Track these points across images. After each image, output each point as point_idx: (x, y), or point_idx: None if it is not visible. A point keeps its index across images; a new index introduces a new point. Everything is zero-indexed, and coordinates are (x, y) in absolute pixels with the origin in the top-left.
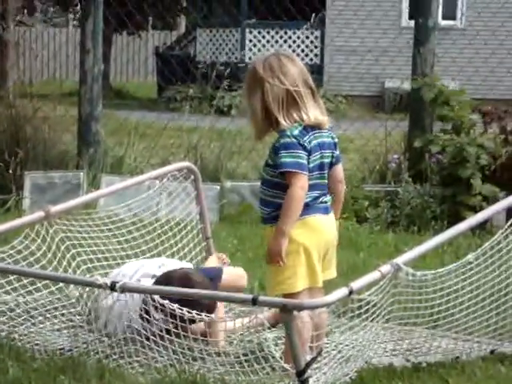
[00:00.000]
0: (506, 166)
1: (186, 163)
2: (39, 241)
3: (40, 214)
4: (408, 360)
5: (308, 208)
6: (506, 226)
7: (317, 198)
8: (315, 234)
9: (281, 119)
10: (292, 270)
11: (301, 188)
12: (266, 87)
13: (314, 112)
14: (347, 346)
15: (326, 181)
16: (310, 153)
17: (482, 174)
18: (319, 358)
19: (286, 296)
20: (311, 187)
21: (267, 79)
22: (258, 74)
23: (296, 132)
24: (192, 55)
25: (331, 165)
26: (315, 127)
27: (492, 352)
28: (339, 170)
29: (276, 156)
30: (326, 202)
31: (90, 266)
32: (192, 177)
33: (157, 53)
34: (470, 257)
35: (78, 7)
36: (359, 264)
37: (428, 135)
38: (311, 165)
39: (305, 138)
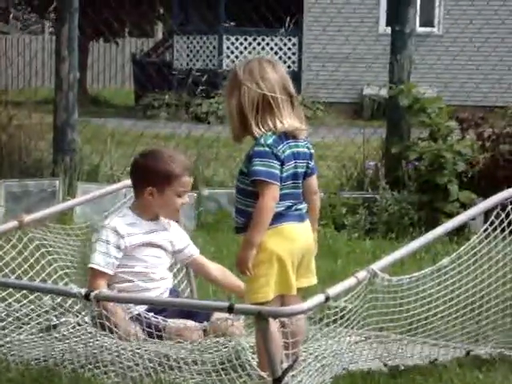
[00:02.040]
0: (483, 173)
1: None
2: (14, 252)
3: (14, 223)
4: (386, 364)
5: (281, 216)
6: (482, 231)
7: (290, 206)
8: (289, 242)
9: (254, 125)
10: (265, 280)
11: (271, 199)
12: (243, 90)
13: (289, 120)
14: (324, 352)
15: (300, 190)
16: (283, 162)
17: (459, 180)
18: (296, 366)
19: (259, 305)
20: (284, 196)
21: (245, 82)
22: (238, 77)
23: (270, 141)
24: (169, 62)
25: (305, 175)
26: (290, 136)
27: (468, 353)
28: (314, 181)
29: (249, 164)
30: (300, 210)
31: (66, 271)
32: None
33: (134, 60)
34: (445, 261)
35: (54, 14)
36: (337, 271)
37: (405, 142)
38: (284, 174)
39: (279, 147)
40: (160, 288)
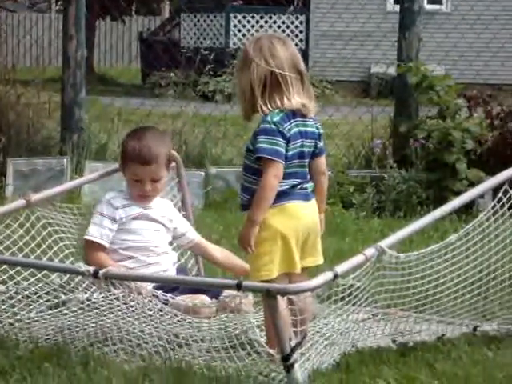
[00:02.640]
0: (491, 151)
1: None
2: (21, 231)
3: (21, 202)
4: (394, 341)
5: (286, 195)
6: (489, 207)
7: (295, 185)
8: (293, 220)
9: (261, 102)
10: (268, 257)
11: (274, 177)
12: (253, 67)
13: (298, 98)
14: (332, 330)
15: (307, 169)
16: (288, 140)
17: (467, 158)
18: (304, 343)
19: (263, 282)
20: (290, 175)
21: (254, 59)
22: (248, 54)
23: (277, 118)
24: (176, 40)
25: (314, 155)
26: (298, 114)
27: (475, 329)
28: (322, 161)
29: (255, 141)
30: (306, 189)
31: (72, 250)
32: (173, 163)
33: (141, 38)
34: (453, 237)
35: None
36: (345, 250)
37: (414, 120)
38: (290, 152)
39: (285, 125)
40: (162, 263)
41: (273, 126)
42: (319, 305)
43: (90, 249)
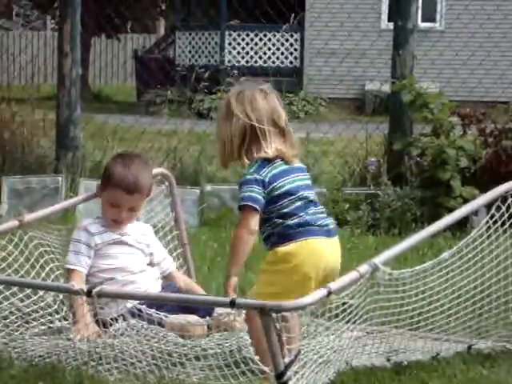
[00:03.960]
0: (485, 169)
1: (160, 169)
2: (16, 252)
3: (14, 222)
4: (389, 359)
5: (306, 231)
6: (482, 223)
7: (310, 221)
8: (314, 257)
9: (242, 154)
10: (277, 288)
11: (247, 227)
12: (234, 120)
13: (276, 147)
14: (326, 347)
15: (317, 202)
16: (269, 183)
17: (461, 176)
18: (298, 360)
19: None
20: (296, 209)
21: (235, 111)
22: (230, 105)
23: (253, 168)
24: (171, 58)
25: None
26: (277, 159)
27: (469, 348)
28: None
29: (238, 194)
30: (327, 225)
31: (62, 271)
32: (166, 183)
33: (136, 56)
34: (446, 254)
35: (57, 10)
36: (340, 267)
37: (408, 138)
38: (280, 190)
39: (261, 172)
40: (140, 281)
41: (249, 177)
42: (313, 322)
43: (69, 276)
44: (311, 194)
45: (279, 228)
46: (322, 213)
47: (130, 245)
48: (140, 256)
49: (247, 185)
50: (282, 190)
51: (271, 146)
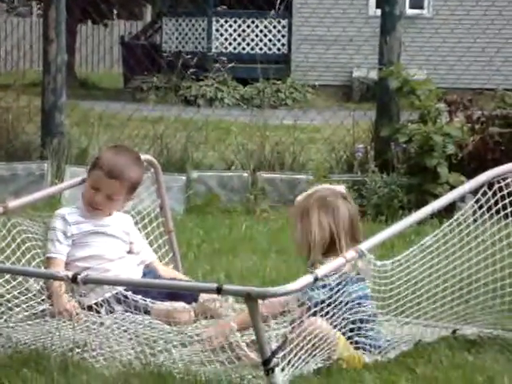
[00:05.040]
0: (472, 155)
1: (146, 156)
2: None
3: None
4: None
5: None
6: (467, 208)
7: None
8: None
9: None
10: None
11: None
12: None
13: None
14: (314, 334)
15: None
16: None
17: (448, 163)
18: (285, 347)
19: None
20: None
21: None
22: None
23: None
24: (158, 45)
25: None
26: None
27: (454, 332)
28: None
29: None
30: None
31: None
32: (152, 170)
33: (122, 42)
34: (428, 239)
35: None
36: None
37: (395, 124)
38: None
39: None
40: (118, 268)
41: None
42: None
43: (49, 265)
44: None
45: None
46: None
47: (108, 234)
48: (119, 243)
49: None
50: None
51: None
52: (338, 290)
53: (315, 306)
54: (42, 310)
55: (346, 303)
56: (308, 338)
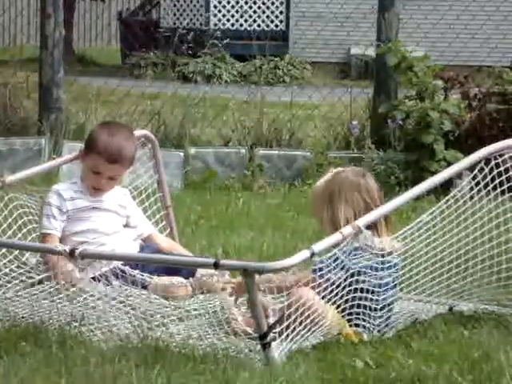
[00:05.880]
0: (469, 132)
1: (143, 131)
2: None
3: None
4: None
5: None
6: (464, 183)
7: None
8: None
9: None
10: None
11: None
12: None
13: None
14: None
15: None
16: None
17: (445, 139)
18: (282, 321)
19: None
20: None
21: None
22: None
23: None
24: (156, 20)
25: None
26: None
27: (451, 309)
28: None
29: None
30: None
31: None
32: (150, 145)
33: (120, 18)
34: (425, 216)
35: None
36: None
37: (392, 101)
38: None
39: None
40: (113, 242)
41: None
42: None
43: (44, 241)
44: None
45: None
46: None
47: (104, 209)
48: (114, 218)
49: None
50: None
51: None
52: (338, 265)
53: (332, 285)
54: (40, 281)
55: (351, 275)
56: (299, 309)
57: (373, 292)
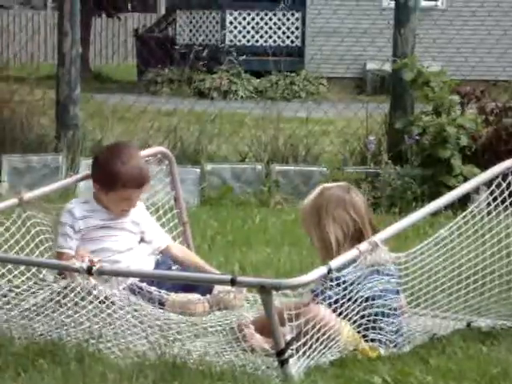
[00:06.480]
0: (486, 147)
1: (160, 148)
2: (13, 229)
3: (13, 200)
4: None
5: None
6: (481, 200)
7: None
8: None
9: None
10: None
11: None
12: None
13: None
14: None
15: None
16: None
17: (462, 154)
18: (299, 338)
19: None
20: None
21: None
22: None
23: None
24: (172, 37)
25: None
26: None
27: (468, 325)
28: None
29: None
30: None
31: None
32: (166, 162)
33: (136, 35)
34: (442, 231)
35: None
36: None
37: (409, 116)
38: None
39: None
40: (127, 259)
41: None
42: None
43: (60, 259)
44: None
45: None
46: None
47: (116, 228)
48: (127, 235)
49: None
50: None
51: None
52: (354, 287)
53: (330, 305)
54: (59, 293)
55: (366, 299)
56: (315, 326)
57: (380, 296)
